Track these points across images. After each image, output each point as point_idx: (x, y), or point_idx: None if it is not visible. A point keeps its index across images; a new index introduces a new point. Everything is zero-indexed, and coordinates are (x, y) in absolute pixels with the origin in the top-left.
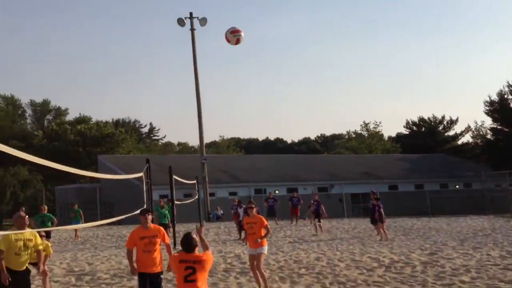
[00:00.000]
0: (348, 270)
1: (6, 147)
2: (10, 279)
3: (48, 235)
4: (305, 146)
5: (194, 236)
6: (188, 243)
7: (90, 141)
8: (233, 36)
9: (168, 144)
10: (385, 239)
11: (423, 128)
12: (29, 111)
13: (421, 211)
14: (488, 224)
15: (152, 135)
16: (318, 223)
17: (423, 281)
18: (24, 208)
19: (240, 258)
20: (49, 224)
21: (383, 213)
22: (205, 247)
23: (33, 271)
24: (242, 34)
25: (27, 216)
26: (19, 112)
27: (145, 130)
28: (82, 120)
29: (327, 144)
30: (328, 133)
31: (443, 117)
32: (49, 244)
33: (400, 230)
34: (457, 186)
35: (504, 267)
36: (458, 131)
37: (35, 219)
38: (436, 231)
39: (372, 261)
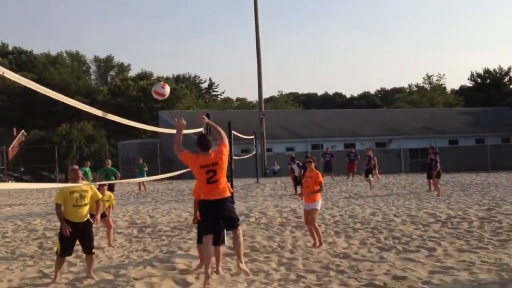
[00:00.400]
0: (404, 225)
1: (76, 102)
2: (70, 230)
3: (111, 188)
4: (365, 101)
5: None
6: (205, 142)
7: (152, 96)
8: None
9: (227, 100)
10: (439, 194)
11: (488, 80)
12: (93, 67)
13: (481, 166)
14: None
15: (211, 91)
16: (367, 179)
17: (479, 236)
18: (89, 162)
19: (295, 213)
20: (113, 177)
21: (439, 168)
22: (219, 133)
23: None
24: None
25: (79, 169)
26: (84, 68)
27: (205, 85)
28: (144, 76)
29: (387, 98)
30: (388, 86)
31: (509, 69)
32: (112, 196)
33: (458, 186)
34: None
35: None
36: None
37: (99, 172)
38: (495, 186)
39: (428, 217)
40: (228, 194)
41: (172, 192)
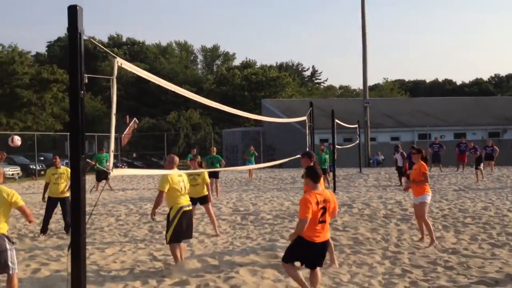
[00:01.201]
0: None
1: (185, 91)
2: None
3: (216, 175)
4: (477, 88)
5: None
6: (317, 173)
7: (255, 85)
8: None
9: (330, 88)
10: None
11: None
12: (200, 57)
13: None
14: None
15: (314, 79)
16: (476, 169)
17: None
18: (195, 150)
19: (401, 205)
20: (218, 165)
21: None
22: None
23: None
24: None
25: (175, 157)
26: (191, 57)
27: (308, 73)
28: (248, 64)
29: (501, 85)
30: (503, 73)
31: None
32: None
33: None
34: None
35: None
36: None
37: (205, 160)
38: None
39: None
40: None
41: (274, 180)
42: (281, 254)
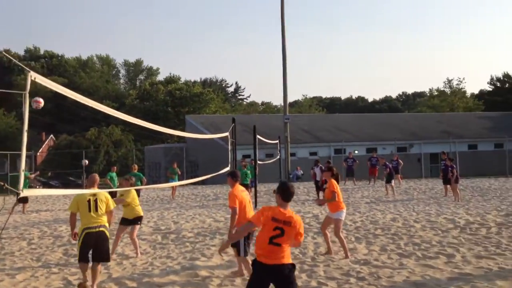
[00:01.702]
0: (423, 231)
1: (105, 107)
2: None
3: (137, 194)
4: (386, 105)
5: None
6: (289, 192)
7: (179, 101)
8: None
9: (253, 104)
10: (458, 199)
11: (507, 85)
12: (122, 71)
13: (500, 171)
14: None
15: (237, 95)
16: (386, 184)
17: (497, 242)
18: (115, 168)
19: (317, 218)
20: (139, 183)
21: (456, 173)
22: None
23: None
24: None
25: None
26: (113, 72)
27: (231, 89)
28: (172, 80)
29: (408, 102)
30: (410, 91)
31: None
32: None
33: (477, 191)
34: None
35: None
36: None
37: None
38: None
39: (447, 222)
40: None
41: (196, 197)
42: (202, 272)
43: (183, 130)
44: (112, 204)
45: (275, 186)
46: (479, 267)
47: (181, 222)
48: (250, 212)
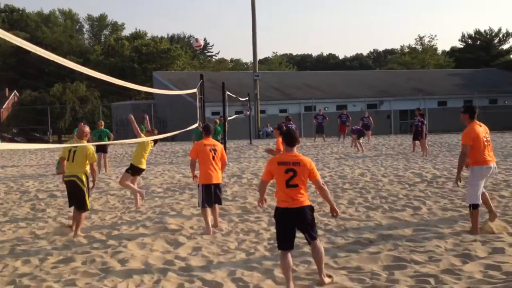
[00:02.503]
0: (391, 185)
1: (69, 62)
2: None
3: (104, 150)
4: (358, 62)
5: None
6: (292, 137)
7: (146, 57)
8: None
9: (222, 61)
10: (426, 154)
11: (478, 42)
12: (86, 26)
13: None
14: None
15: (206, 51)
16: (357, 141)
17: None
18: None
19: None
20: (106, 139)
21: (424, 129)
22: None
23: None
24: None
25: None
26: (77, 27)
27: None
28: (138, 35)
29: (379, 59)
30: (381, 48)
31: (500, 30)
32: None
33: (445, 146)
34: (505, 102)
35: None
36: None
37: (92, 134)
38: None
39: (414, 177)
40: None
41: (165, 154)
42: (171, 226)
43: (150, 86)
44: (92, 158)
45: (245, 142)
46: (444, 218)
47: (150, 178)
48: (208, 162)
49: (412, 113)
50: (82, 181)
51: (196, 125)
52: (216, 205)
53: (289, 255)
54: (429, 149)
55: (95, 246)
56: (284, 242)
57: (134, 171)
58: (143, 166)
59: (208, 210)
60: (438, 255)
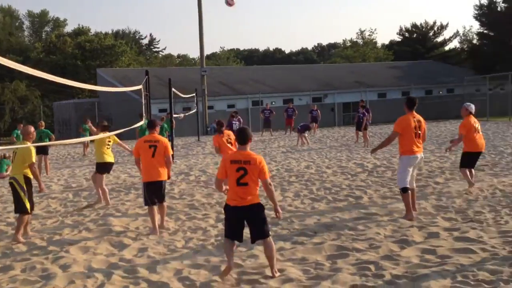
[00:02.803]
0: (335, 176)
1: (7, 61)
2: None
3: (45, 152)
4: (303, 56)
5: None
6: (242, 134)
7: (89, 54)
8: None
9: (168, 57)
10: (368, 145)
11: (415, 35)
12: (26, 23)
13: None
14: None
15: (152, 47)
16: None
17: None
18: (22, 125)
19: None
20: (47, 140)
21: (365, 120)
22: None
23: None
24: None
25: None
26: (17, 24)
27: (145, 41)
28: (81, 31)
29: (323, 53)
30: (325, 42)
31: (434, 23)
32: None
33: (385, 136)
34: (440, 92)
35: (475, 168)
36: (447, 37)
37: None
38: None
39: (356, 167)
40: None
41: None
42: (116, 227)
43: (94, 84)
44: (26, 159)
45: (193, 139)
46: (384, 207)
47: None
48: (148, 159)
49: (355, 105)
50: (18, 182)
51: (142, 122)
52: (164, 204)
53: (234, 243)
54: (370, 140)
55: (35, 253)
56: (232, 236)
57: (101, 169)
58: (108, 160)
59: (155, 209)
60: (378, 242)
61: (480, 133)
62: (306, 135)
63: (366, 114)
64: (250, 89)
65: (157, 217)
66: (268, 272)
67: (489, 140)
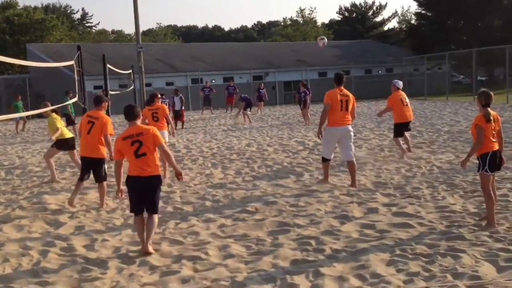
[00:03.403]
0: (276, 154)
1: None
2: None
3: None
4: (243, 34)
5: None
6: (127, 111)
7: (18, 28)
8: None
9: (102, 32)
10: (308, 123)
11: (354, 14)
12: None
13: None
14: None
15: (85, 22)
16: (244, 112)
17: (341, 161)
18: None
19: (174, 147)
20: None
21: (307, 99)
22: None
23: None
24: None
25: None
26: None
27: (77, 16)
28: (9, 5)
29: (264, 32)
30: (264, 20)
31: (373, 3)
32: None
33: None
34: (379, 72)
35: (413, 145)
36: (386, 17)
37: None
38: (357, 114)
39: (298, 145)
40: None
41: (44, 131)
42: (51, 206)
43: (24, 59)
44: None
45: None
46: (324, 183)
47: (26, 157)
48: (84, 134)
49: (296, 84)
50: None
51: (75, 99)
52: (104, 184)
53: (142, 217)
54: (311, 118)
55: None
56: (137, 207)
57: (60, 145)
58: (66, 136)
59: (81, 184)
60: (319, 218)
61: (408, 106)
62: (249, 113)
63: (308, 93)
64: (189, 67)
65: (100, 195)
66: (209, 248)
67: (427, 118)
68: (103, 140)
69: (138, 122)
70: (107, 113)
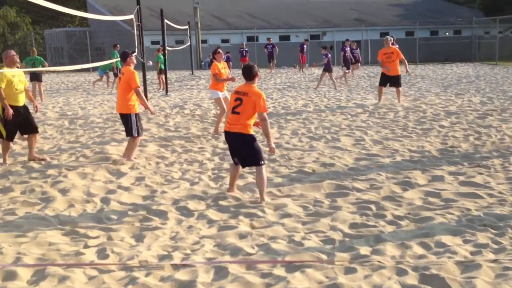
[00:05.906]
0: (334, 116)
1: None
2: (13, 114)
3: (39, 79)
4: None
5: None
6: (244, 71)
7: None
8: None
9: None
10: (336, 86)
11: None
12: None
13: (410, 59)
14: (473, 71)
15: None
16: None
17: (404, 125)
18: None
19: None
20: (40, 66)
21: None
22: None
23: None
24: None
25: (15, 54)
26: None
27: None
28: None
29: None
30: None
31: None
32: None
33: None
34: (447, 33)
35: (483, 113)
36: None
37: (25, 62)
38: (422, 78)
39: (357, 107)
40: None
41: (104, 83)
42: (113, 156)
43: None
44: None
45: (186, 73)
46: (385, 148)
47: (88, 108)
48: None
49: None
50: None
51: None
52: (136, 139)
53: (237, 167)
54: (333, 82)
55: (33, 176)
56: (232, 158)
57: None
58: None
59: (138, 139)
60: (379, 183)
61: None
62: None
63: (329, 55)
64: (245, 24)
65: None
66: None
67: (498, 84)
68: (129, 96)
69: (254, 82)
70: (165, 70)
